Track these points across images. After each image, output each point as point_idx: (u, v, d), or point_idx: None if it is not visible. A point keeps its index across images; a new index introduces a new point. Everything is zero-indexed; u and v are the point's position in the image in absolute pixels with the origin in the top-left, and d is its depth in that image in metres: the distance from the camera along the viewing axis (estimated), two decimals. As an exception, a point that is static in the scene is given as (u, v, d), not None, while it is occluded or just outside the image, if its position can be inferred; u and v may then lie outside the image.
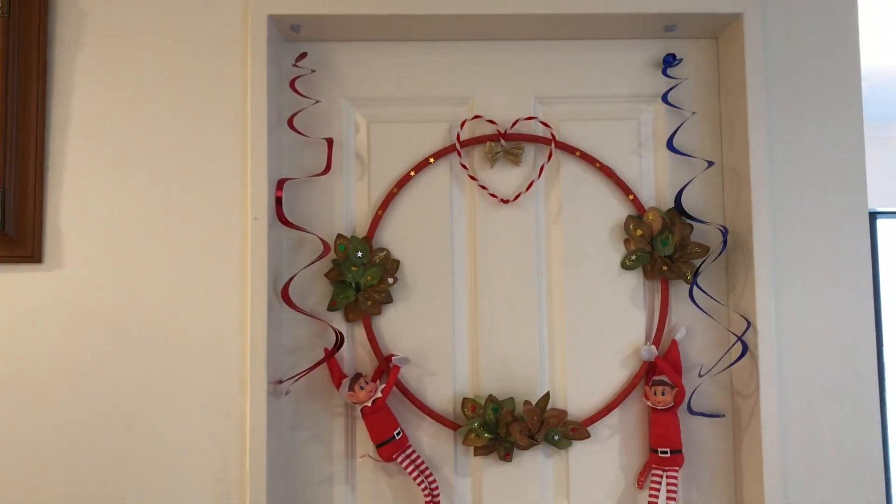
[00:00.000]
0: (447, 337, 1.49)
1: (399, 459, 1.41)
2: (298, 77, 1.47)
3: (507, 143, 1.49)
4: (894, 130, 4.72)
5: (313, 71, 1.49)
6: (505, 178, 1.51)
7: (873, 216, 3.76)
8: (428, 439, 1.48)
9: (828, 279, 1.42)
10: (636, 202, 1.49)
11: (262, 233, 1.38)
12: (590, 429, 1.46)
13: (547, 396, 1.44)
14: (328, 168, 1.45)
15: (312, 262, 1.43)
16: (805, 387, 1.40)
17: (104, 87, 1.41)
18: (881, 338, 3.80)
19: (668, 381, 1.42)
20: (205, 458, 1.37)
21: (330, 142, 1.46)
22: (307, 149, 1.49)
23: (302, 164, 1.49)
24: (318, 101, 1.49)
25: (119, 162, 1.40)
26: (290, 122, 1.45)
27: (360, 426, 1.44)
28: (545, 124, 1.50)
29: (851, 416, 1.41)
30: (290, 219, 1.43)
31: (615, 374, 1.49)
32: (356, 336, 1.49)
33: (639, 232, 1.46)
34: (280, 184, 1.42)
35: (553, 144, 1.48)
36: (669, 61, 1.49)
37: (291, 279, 1.42)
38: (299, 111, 1.46)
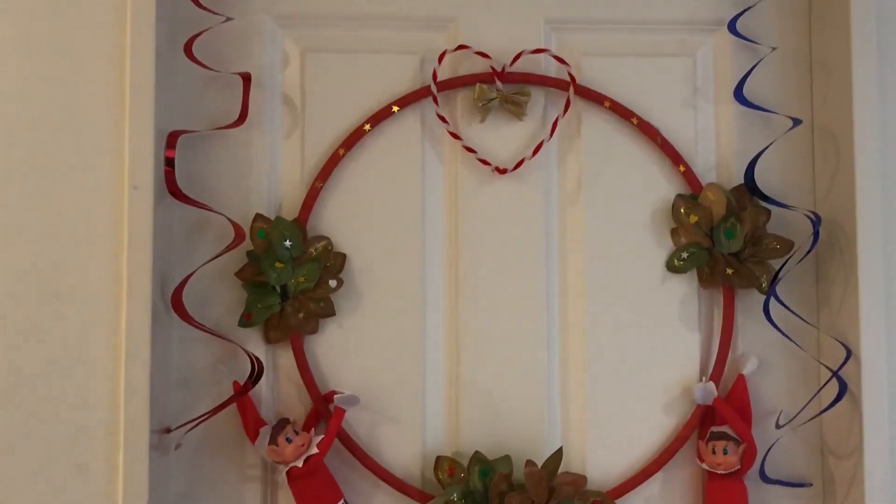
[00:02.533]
0: (414, 367, 1.46)
1: None
2: (201, -17, 1.41)
3: (505, 87, 1.45)
4: None
5: (224, -26, 1.44)
6: (502, 137, 1.48)
7: None
8: None
9: None
10: (689, 175, 1.46)
11: (146, 210, 1.32)
12: (619, 501, 1.43)
13: (559, 454, 1.40)
14: (243, 117, 1.41)
15: (218, 255, 1.38)
16: None
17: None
18: None
19: (733, 435, 1.39)
20: None
21: (246, 78, 1.42)
22: (213, 89, 1.44)
23: (205, 113, 1.45)
24: (229, 19, 1.42)
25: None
26: (187, 49, 1.39)
27: (286, 496, 1.41)
28: (561, 60, 1.45)
29: None
30: (185, 190, 1.38)
31: (655, 424, 1.47)
32: (281, 364, 1.45)
33: (693, 218, 1.44)
34: (172, 139, 1.36)
35: (572, 90, 1.45)
36: (740, -27, 1.45)
37: (187, 279, 1.36)
38: (201, 32, 1.40)
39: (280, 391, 1.45)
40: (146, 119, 1.33)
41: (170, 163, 1.36)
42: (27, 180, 1.35)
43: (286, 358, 1.44)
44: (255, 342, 1.43)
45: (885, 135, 1.40)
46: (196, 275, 1.39)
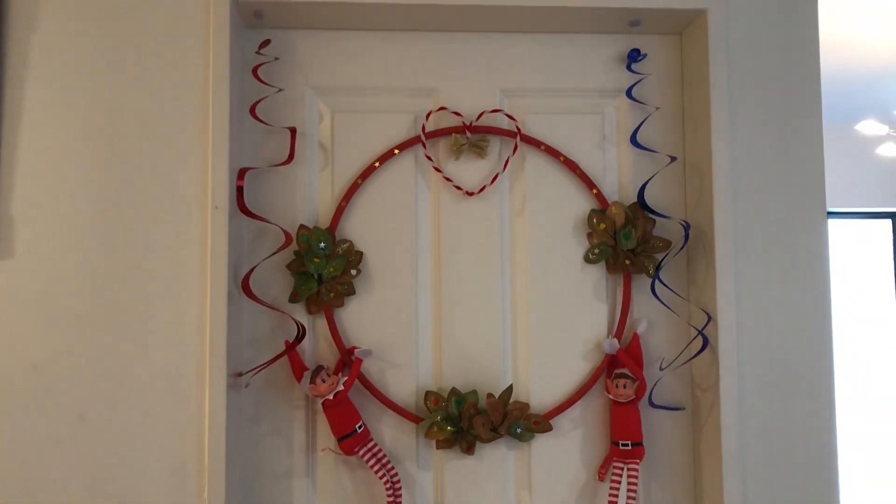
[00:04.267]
0: (410, 329, 1.49)
1: (361, 453, 1.41)
2: (261, 65, 1.46)
3: (472, 136, 1.50)
4: (848, 131, 4.86)
5: (276, 59, 1.49)
6: (470, 170, 1.52)
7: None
8: (390, 432, 1.48)
9: (787, 275, 1.45)
10: (599, 196, 1.51)
11: (223, 222, 1.37)
12: (552, 422, 1.47)
13: (510, 389, 1.46)
14: (291, 157, 1.45)
15: (274, 253, 1.43)
16: (763, 380, 1.44)
17: (59, 72, 1.39)
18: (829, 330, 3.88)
19: (630, 374, 1.44)
20: (161, 450, 1.36)
21: (293, 131, 1.46)
22: (270, 138, 1.48)
23: (264, 154, 1.48)
24: (280, 90, 1.48)
25: (75, 150, 1.38)
26: (252, 111, 1.44)
27: (322, 420, 1.44)
28: (510, 117, 1.51)
29: (808, 409, 1.44)
30: (251, 209, 1.42)
31: (577, 368, 1.51)
32: (318, 328, 1.48)
33: (602, 226, 1.49)
34: (241, 173, 1.41)
35: (518, 137, 1.50)
36: (634, 56, 1.51)
37: (252, 270, 1.42)
38: (262, 99, 1.46)
39: (318, 347, 1.49)
40: (223, 159, 1.37)
41: (240, 190, 1.41)
42: (144, 205, 1.39)
43: (321, 324, 1.48)
44: (300, 313, 1.47)
45: (734, 169, 1.45)
46: (258, 268, 1.44)
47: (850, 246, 5.56)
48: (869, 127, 4.88)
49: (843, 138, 4.85)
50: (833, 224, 3.88)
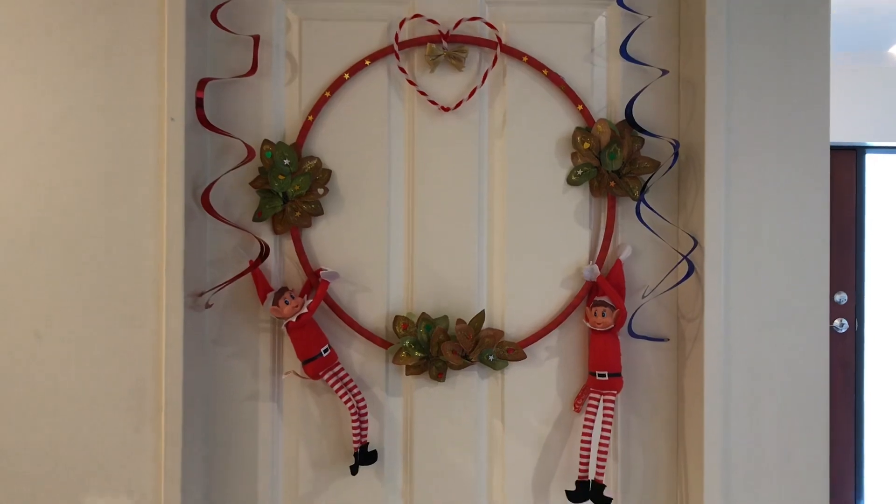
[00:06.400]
0: (381, 252, 1.44)
1: (326, 377, 1.38)
2: (223, -33, 1.38)
3: (449, 46, 1.42)
4: (888, 62, 4.61)
5: (240, -39, 1.41)
6: (447, 83, 1.44)
7: (862, 150, 3.68)
8: (358, 357, 1.45)
9: (783, 204, 1.37)
10: (585, 113, 1.43)
11: (180, 135, 1.32)
12: (527, 350, 1.42)
13: (482, 315, 1.41)
14: (254, 68, 1.39)
15: (234, 168, 1.38)
16: (752, 312, 1.36)
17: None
18: (862, 271, 3.74)
19: (609, 303, 1.38)
20: (117, 371, 1.33)
21: (256, 39, 1.39)
22: (234, 47, 1.42)
23: (227, 64, 1.42)
24: None
25: (25, 57, 1.33)
26: (213, 16, 1.37)
27: (288, 343, 1.41)
28: (491, 26, 1.42)
29: (799, 345, 1.37)
30: (213, 122, 1.37)
31: (555, 295, 1.45)
32: (284, 249, 1.44)
33: (586, 145, 1.41)
34: (201, 83, 1.35)
35: (499, 48, 1.41)
36: (626, -40, 1.40)
37: (212, 185, 1.37)
38: (224, 3, 1.38)
39: (284, 269, 1.45)
40: (180, 68, 1.33)
41: (199, 102, 1.36)
42: (97, 115, 1.34)
43: (288, 245, 1.44)
44: (266, 233, 1.43)
45: (729, 82, 1.36)
46: (223, 183, 1.39)
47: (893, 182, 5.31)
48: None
49: (882, 68, 4.61)
50: (872, 159, 3.69)
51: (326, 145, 1.43)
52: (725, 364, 1.35)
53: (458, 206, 1.45)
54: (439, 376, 1.41)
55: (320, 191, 1.42)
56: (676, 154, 1.38)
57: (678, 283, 1.40)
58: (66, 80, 1.33)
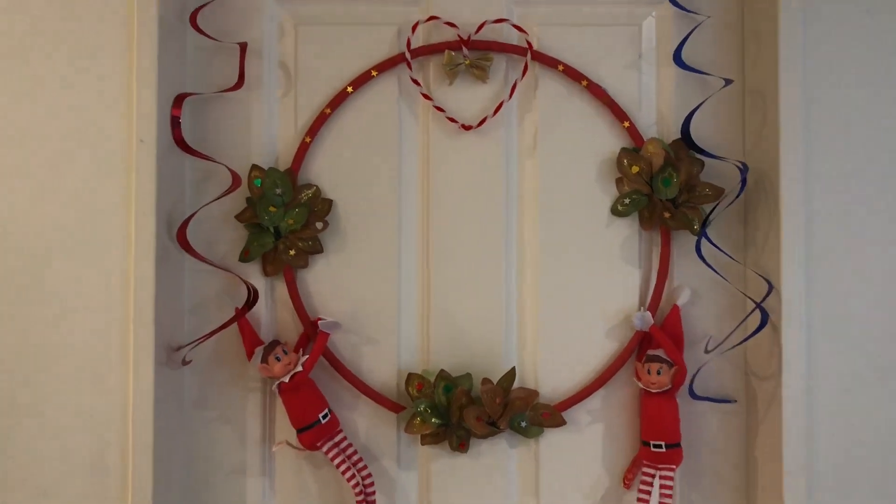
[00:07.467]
0: (391, 297, 1.31)
1: (325, 448, 1.23)
2: (206, -38, 1.26)
3: (470, 53, 1.29)
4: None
5: (226, -45, 1.30)
6: (468, 97, 1.31)
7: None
8: (365, 423, 1.30)
9: (877, 234, 1.22)
10: (633, 131, 1.29)
11: (151, 159, 1.17)
12: (565, 414, 1.28)
13: (512, 373, 1.26)
14: (241, 81, 1.26)
15: (217, 198, 1.23)
16: (840, 369, 1.21)
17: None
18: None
19: (666, 358, 1.23)
20: (77, 441, 1.18)
21: (244, 47, 1.26)
22: (218, 57, 1.28)
23: (210, 77, 1.29)
24: None
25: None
26: (192, 20, 1.24)
27: (282, 406, 1.26)
28: (520, 29, 1.28)
29: (897, 410, 1.22)
30: (196, 146, 1.23)
31: (599, 348, 1.31)
32: (277, 294, 1.30)
33: (635, 168, 1.27)
34: (178, 100, 1.21)
35: (529, 56, 1.28)
36: (680, -50, 1.28)
37: (190, 218, 1.22)
38: (205, 4, 1.25)
39: (277, 317, 1.31)
40: (151, 82, 1.19)
41: (175, 121, 1.21)
42: (58, 137, 1.20)
43: (281, 289, 1.30)
44: (255, 275, 1.29)
45: (807, 94, 1.22)
46: (204, 217, 1.26)
47: None
48: None
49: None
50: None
51: (326, 171, 1.30)
52: (808, 432, 1.20)
53: (482, 242, 1.31)
54: (461, 446, 1.26)
55: (319, 225, 1.28)
56: (744, 180, 1.23)
57: (749, 337, 1.25)
58: (20, 98, 1.19)
